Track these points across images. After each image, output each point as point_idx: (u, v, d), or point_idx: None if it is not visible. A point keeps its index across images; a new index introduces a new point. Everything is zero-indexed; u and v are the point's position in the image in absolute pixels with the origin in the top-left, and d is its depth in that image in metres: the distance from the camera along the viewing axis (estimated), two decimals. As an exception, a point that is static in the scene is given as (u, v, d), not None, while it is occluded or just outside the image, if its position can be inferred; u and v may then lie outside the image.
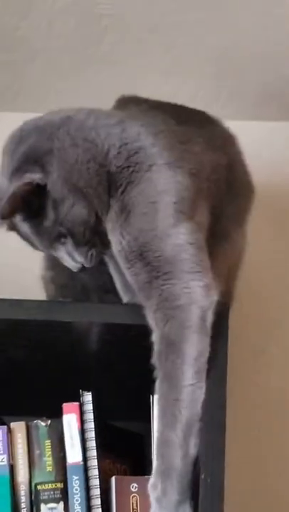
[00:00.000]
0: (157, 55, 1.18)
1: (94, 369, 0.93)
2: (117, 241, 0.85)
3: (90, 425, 0.87)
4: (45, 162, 0.86)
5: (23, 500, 0.87)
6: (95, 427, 0.87)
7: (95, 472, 0.86)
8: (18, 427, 0.87)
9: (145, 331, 0.80)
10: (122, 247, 0.84)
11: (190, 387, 0.80)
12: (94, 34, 1.12)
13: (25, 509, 0.86)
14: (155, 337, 0.81)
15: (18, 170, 0.86)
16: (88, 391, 0.88)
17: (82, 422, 0.87)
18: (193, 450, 0.80)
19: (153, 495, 0.79)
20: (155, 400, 0.81)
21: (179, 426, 0.80)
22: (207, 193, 0.90)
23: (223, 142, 0.99)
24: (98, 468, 0.86)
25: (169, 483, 0.80)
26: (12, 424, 0.88)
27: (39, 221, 0.87)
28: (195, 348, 0.80)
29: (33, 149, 0.87)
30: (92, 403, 0.87)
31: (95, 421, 0.87)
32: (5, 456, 0.86)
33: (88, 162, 0.86)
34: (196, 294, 0.81)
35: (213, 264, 0.86)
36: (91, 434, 0.87)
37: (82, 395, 0.87)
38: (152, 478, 0.80)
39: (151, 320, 0.82)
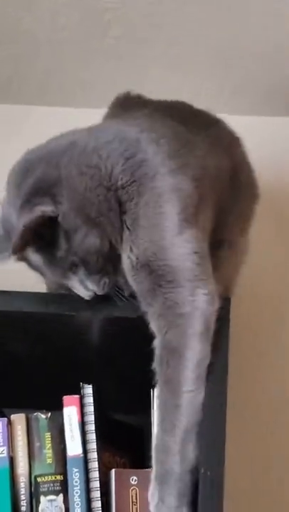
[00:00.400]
0: (161, 50, 1.18)
1: (95, 362, 0.93)
2: (125, 256, 0.85)
3: (90, 418, 0.87)
4: (55, 193, 0.85)
5: (22, 492, 0.87)
6: (95, 420, 0.87)
7: (94, 465, 0.86)
8: (18, 419, 0.87)
9: (146, 325, 0.81)
10: (130, 259, 0.85)
11: (190, 393, 0.80)
12: (98, 28, 1.12)
13: (24, 501, 0.86)
14: (157, 343, 0.81)
15: (27, 202, 0.85)
16: (89, 384, 0.87)
17: (82, 414, 0.87)
18: (191, 456, 0.80)
19: (152, 503, 0.80)
20: (155, 394, 0.81)
21: (178, 432, 0.80)
22: (211, 197, 0.90)
23: (227, 144, 0.99)
24: (98, 461, 0.85)
25: (166, 489, 0.80)
26: (12, 417, 0.87)
27: (51, 252, 0.86)
28: (197, 355, 0.81)
29: (42, 180, 0.86)
30: (93, 396, 0.87)
31: (95, 414, 0.86)
32: (5, 448, 0.86)
33: (96, 188, 0.86)
34: (200, 302, 0.81)
35: (215, 269, 0.87)
36: (91, 427, 0.86)
37: (83, 388, 0.87)
38: (151, 486, 0.81)
39: (154, 326, 0.82)
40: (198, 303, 0.81)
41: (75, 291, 0.87)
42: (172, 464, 0.80)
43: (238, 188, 0.97)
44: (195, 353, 0.81)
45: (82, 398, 0.89)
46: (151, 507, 0.79)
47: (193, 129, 0.95)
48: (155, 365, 0.81)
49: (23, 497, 0.88)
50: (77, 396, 0.88)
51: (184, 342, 0.81)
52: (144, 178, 0.86)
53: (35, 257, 0.86)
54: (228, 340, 0.85)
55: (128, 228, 0.86)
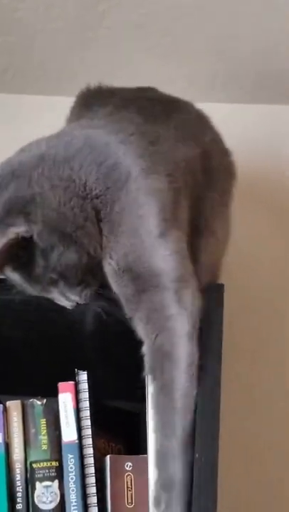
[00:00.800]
0: (154, 40, 1.19)
1: (90, 349, 0.94)
2: (106, 263, 0.85)
3: (85, 404, 0.87)
4: (29, 211, 0.84)
5: (18, 479, 0.87)
6: (90, 406, 0.87)
7: (89, 451, 0.86)
8: (14, 406, 0.88)
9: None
10: (112, 266, 0.85)
11: (186, 395, 0.81)
12: (92, 18, 1.13)
13: (20, 487, 0.87)
14: (146, 349, 0.82)
15: (0, 223, 0.84)
16: (84, 371, 0.88)
17: (77, 401, 0.88)
18: (192, 457, 0.81)
19: (158, 510, 0.81)
20: (149, 380, 0.81)
21: (179, 434, 0.80)
22: (185, 189, 0.90)
23: (193, 131, 0.98)
24: (93, 447, 0.86)
25: (172, 495, 0.81)
26: (8, 403, 0.88)
27: (28, 270, 0.86)
28: (189, 355, 0.81)
29: (15, 199, 0.85)
30: (88, 382, 0.87)
31: (90, 400, 0.87)
32: (0, 435, 0.86)
33: (71, 200, 0.85)
34: (187, 303, 0.82)
35: (198, 258, 0.88)
36: (86, 413, 0.87)
37: (78, 374, 0.88)
38: (154, 493, 0.81)
39: (141, 331, 0.82)
40: (184, 303, 0.82)
41: (57, 302, 0.87)
42: (175, 470, 0.80)
43: (211, 173, 0.97)
44: (188, 353, 0.81)
45: (77, 385, 0.89)
46: None
47: (161, 118, 0.96)
48: (147, 372, 0.82)
49: (18, 483, 0.88)
50: (72, 382, 0.88)
51: (176, 344, 0.81)
52: (118, 182, 0.86)
53: (13, 275, 0.86)
54: (222, 326, 0.85)
55: (106, 236, 0.85)
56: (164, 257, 0.82)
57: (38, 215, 0.82)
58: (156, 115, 0.96)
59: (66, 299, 0.86)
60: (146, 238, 0.83)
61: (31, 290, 0.86)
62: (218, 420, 0.82)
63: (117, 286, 0.84)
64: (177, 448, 0.80)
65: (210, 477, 0.80)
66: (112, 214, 0.84)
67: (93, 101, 1.01)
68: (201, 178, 0.94)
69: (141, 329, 0.82)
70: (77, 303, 0.85)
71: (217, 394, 0.83)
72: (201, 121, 1.01)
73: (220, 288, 0.85)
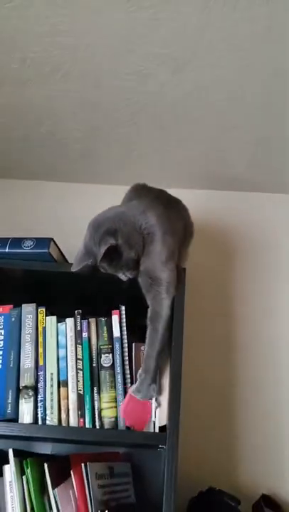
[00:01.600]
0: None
1: (127, 297, 1.38)
2: (141, 267, 1.28)
3: (124, 321, 1.40)
4: (115, 235, 1.24)
5: (94, 354, 1.42)
6: (126, 324, 1.40)
7: (125, 345, 1.40)
8: (92, 321, 1.42)
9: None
10: (141, 269, 1.28)
11: (162, 332, 1.27)
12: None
13: (95, 360, 1.41)
14: (149, 310, 1.28)
15: (101, 240, 1.24)
16: (123, 305, 1.41)
17: (120, 319, 1.42)
18: (159, 361, 1.28)
19: (136, 386, 1.28)
20: (148, 323, 1.29)
21: (156, 346, 1.28)
22: (178, 243, 1.35)
23: (182, 213, 1.45)
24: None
25: (146, 376, 1.29)
26: (90, 319, 1.41)
27: (111, 262, 1.27)
28: (167, 314, 1.29)
29: (109, 229, 1.24)
30: (125, 311, 1.42)
31: (126, 319, 1.41)
32: (85, 333, 1.41)
33: (133, 232, 1.25)
34: (170, 293, 1.29)
35: (178, 265, 1.33)
36: (124, 325, 1.40)
37: (120, 307, 1.42)
38: (140, 372, 1.30)
39: (149, 301, 1.29)
40: (169, 293, 1.28)
41: (121, 278, 1.31)
42: (150, 365, 1.28)
43: (186, 234, 1.43)
44: (167, 314, 1.28)
45: (120, 312, 1.43)
46: (135, 388, 1.31)
47: (169, 206, 1.39)
48: (148, 320, 1.29)
49: (94, 358, 1.42)
50: (118, 310, 1.43)
51: (162, 309, 1.28)
52: (151, 235, 1.27)
53: (105, 265, 1.28)
54: (184, 298, 1.37)
55: (144, 254, 1.27)
56: (164, 272, 1.29)
57: (120, 236, 1.24)
58: (169, 204, 1.39)
59: (125, 276, 1.31)
60: (158, 263, 1.28)
61: (110, 271, 1.30)
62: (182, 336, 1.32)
63: (141, 279, 1.31)
64: (154, 353, 1.29)
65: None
66: (148, 245, 1.27)
67: (141, 191, 1.45)
68: (183, 238, 1.40)
69: (149, 300, 1.30)
70: (129, 278, 1.31)
71: (181, 328, 1.33)
72: (184, 208, 1.47)
73: (183, 270, 1.39)
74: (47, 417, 1.36)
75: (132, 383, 1.38)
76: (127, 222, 1.27)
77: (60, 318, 1.44)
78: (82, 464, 1.36)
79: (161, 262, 1.27)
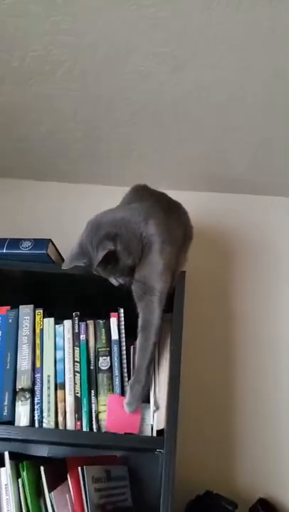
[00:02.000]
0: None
1: (124, 300, 1.36)
2: (136, 275, 1.28)
3: (122, 323, 1.40)
4: (115, 240, 1.23)
5: (92, 356, 1.42)
6: (124, 325, 1.41)
7: (123, 344, 1.41)
8: (89, 322, 1.42)
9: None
10: (136, 277, 1.28)
11: (153, 342, 1.27)
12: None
13: (92, 361, 1.41)
14: (140, 319, 1.28)
15: (100, 244, 1.24)
16: (121, 308, 1.41)
17: (118, 321, 1.41)
18: (150, 370, 1.27)
19: (127, 400, 1.27)
20: (139, 331, 1.29)
21: (148, 351, 1.27)
22: (177, 248, 1.35)
23: (182, 218, 1.45)
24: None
25: (138, 388, 1.30)
26: (88, 321, 1.41)
27: (107, 266, 1.27)
28: (158, 323, 1.28)
29: (109, 233, 1.24)
30: (123, 314, 1.41)
31: (124, 321, 1.41)
32: (83, 336, 1.40)
33: (133, 239, 1.25)
34: (161, 303, 1.28)
35: (176, 271, 1.34)
36: (122, 327, 1.40)
37: (119, 309, 1.42)
38: (127, 395, 1.28)
39: (140, 310, 1.29)
40: (161, 303, 1.28)
41: (112, 282, 1.31)
42: (143, 363, 1.28)
43: (185, 239, 1.43)
44: (158, 322, 1.27)
45: (118, 314, 1.43)
46: (128, 391, 1.28)
47: (169, 210, 1.39)
48: (138, 330, 1.28)
49: (92, 359, 1.42)
50: (116, 313, 1.42)
51: (153, 318, 1.28)
52: (150, 244, 1.27)
53: (100, 269, 1.29)
54: (184, 300, 1.35)
55: (140, 261, 1.28)
56: (159, 283, 1.29)
57: (119, 242, 1.24)
58: (169, 210, 1.39)
59: (117, 281, 1.32)
60: (154, 273, 1.28)
61: (103, 274, 1.32)
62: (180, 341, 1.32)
63: (134, 287, 1.30)
64: (146, 363, 1.29)
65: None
66: (146, 253, 1.28)
67: (142, 193, 1.45)
68: (182, 242, 1.40)
69: (140, 309, 1.29)
70: (121, 284, 1.31)
71: (180, 330, 1.33)
72: (184, 212, 1.47)
73: (183, 273, 1.39)
74: (44, 420, 1.36)
75: (130, 386, 1.34)
76: (129, 229, 1.27)
77: (58, 320, 1.44)
78: (79, 467, 1.35)
79: (157, 273, 1.27)
